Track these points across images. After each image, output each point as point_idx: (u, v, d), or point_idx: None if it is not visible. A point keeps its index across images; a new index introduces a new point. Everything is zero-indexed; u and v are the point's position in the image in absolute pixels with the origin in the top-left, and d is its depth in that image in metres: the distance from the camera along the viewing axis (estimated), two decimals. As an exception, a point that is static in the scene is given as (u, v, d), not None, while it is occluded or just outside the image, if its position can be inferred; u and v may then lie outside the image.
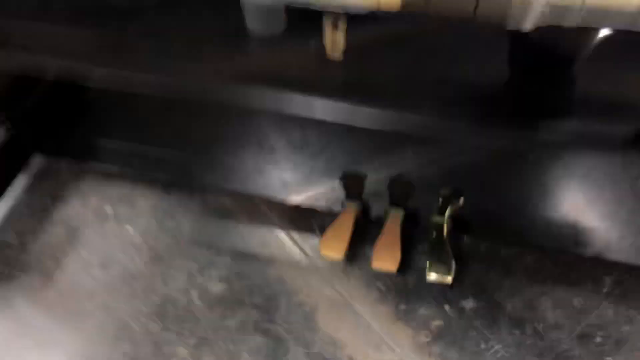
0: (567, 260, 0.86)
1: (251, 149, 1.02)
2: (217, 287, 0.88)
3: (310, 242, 0.91)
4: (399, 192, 0.88)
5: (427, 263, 0.81)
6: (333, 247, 0.83)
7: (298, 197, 0.94)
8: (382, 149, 1.01)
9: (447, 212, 0.85)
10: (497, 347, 0.79)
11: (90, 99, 1.10)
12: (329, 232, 0.85)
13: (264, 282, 0.88)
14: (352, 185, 0.89)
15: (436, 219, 0.85)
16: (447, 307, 0.83)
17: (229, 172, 0.99)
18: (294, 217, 0.94)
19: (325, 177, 0.96)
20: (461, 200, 0.85)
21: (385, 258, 0.81)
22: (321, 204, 0.94)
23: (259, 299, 0.86)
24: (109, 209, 0.98)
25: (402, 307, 0.84)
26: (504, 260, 0.87)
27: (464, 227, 0.89)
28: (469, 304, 0.83)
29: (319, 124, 1.05)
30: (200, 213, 0.96)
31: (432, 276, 0.81)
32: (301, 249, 0.91)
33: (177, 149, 1.01)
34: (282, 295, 0.86)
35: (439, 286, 0.84)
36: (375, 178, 0.95)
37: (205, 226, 0.95)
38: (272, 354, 0.81)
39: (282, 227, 0.94)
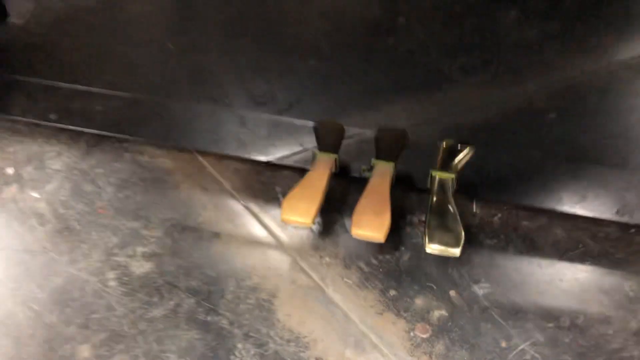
0: (609, 233, 0.66)
1: (202, 102, 0.82)
2: (141, 267, 0.65)
3: (270, 211, 0.70)
4: (389, 142, 0.67)
5: (426, 231, 0.60)
6: (298, 209, 0.61)
7: (257, 158, 0.73)
8: (366, 106, 0.82)
9: (453, 165, 0.64)
10: (523, 345, 0.57)
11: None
12: (295, 191, 0.63)
13: (206, 260, 0.65)
14: (328, 135, 0.68)
15: (438, 174, 0.64)
16: (452, 292, 0.62)
17: (170, 128, 0.79)
18: (251, 181, 0.73)
19: (293, 136, 0.76)
20: (470, 151, 0.64)
21: (370, 223, 0.60)
22: (287, 166, 0.72)
23: (198, 283, 0.64)
24: (10, 171, 0.76)
25: (392, 292, 0.62)
26: (526, 233, 0.66)
27: (472, 192, 0.68)
28: (482, 288, 0.62)
29: (289, 77, 0.86)
30: (128, 176, 0.75)
31: (434, 248, 0.59)
32: (258, 219, 0.69)
33: (106, 99, 0.80)
34: (229, 278, 0.64)
35: (441, 264, 0.63)
36: (358, 139, 0.75)
37: (134, 192, 0.73)
38: (210, 354, 0.58)
39: (235, 193, 0.72)
